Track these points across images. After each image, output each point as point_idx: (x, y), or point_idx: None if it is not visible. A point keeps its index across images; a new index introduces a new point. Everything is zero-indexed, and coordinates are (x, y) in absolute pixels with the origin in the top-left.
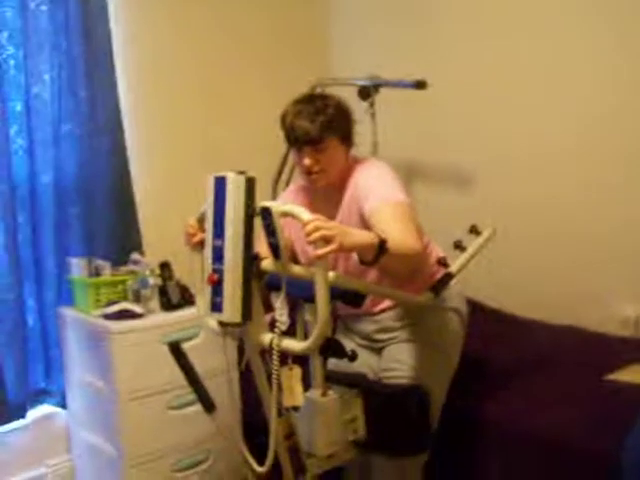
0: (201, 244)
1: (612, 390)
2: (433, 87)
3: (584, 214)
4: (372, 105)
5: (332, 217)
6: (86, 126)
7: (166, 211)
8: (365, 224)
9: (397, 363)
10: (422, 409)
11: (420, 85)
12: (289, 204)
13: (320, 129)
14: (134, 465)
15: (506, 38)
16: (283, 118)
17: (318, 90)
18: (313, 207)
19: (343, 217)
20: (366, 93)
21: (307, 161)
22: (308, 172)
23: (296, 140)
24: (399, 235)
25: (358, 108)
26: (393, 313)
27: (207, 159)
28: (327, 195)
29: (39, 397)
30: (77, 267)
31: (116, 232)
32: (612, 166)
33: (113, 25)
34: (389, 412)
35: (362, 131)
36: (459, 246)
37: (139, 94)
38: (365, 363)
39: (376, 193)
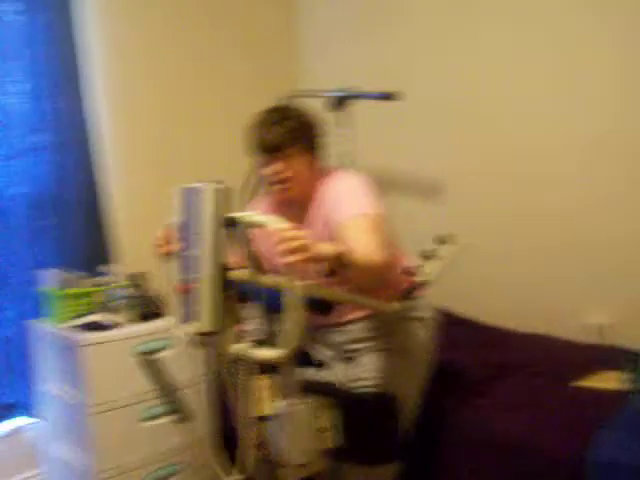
0: (169, 255)
1: (578, 396)
2: (406, 98)
3: (552, 226)
4: (344, 117)
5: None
6: (54, 138)
7: (138, 222)
8: (330, 235)
9: (366, 372)
10: (392, 417)
11: (390, 97)
12: (259, 214)
13: (279, 137)
14: (105, 478)
15: (478, 51)
16: (249, 129)
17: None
18: (285, 217)
19: (312, 230)
20: (337, 104)
21: (268, 170)
22: (272, 182)
23: (258, 149)
24: (363, 248)
25: (329, 120)
26: (362, 324)
27: (178, 169)
28: (295, 207)
29: (8, 411)
30: (48, 279)
31: (87, 243)
32: (582, 180)
33: (84, 37)
34: (359, 421)
35: (333, 142)
36: (427, 256)
37: (111, 106)
38: (334, 374)
39: (343, 206)
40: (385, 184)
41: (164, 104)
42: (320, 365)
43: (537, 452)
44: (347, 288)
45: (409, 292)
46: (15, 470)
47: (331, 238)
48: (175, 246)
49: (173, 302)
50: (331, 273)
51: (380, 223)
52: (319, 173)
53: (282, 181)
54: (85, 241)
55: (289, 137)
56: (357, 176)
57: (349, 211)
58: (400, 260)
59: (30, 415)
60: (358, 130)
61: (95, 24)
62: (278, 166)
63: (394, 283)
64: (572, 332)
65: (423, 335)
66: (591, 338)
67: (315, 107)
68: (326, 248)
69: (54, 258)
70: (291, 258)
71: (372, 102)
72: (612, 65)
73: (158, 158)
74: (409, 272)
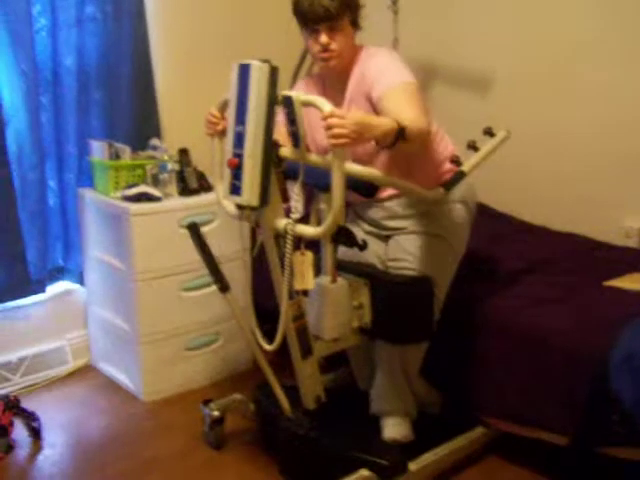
0: (223, 132)
1: (610, 295)
2: None
3: (597, 125)
4: (395, 2)
5: (339, 104)
6: (109, 9)
7: (185, 99)
8: (373, 108)
9: (404, 254)
10: (427, 299)
11: None
12: (309, 94)
13: (339, 6)
14: (147, 342)
15: None
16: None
17: None
18: (324, 96)
19: (350, 103)
20: None
21: (324, 38)
22: (324, 50)
23: (314, 18)
24: (411, 117)
25: (382, 4)
26: (401, 200)
27: (228, 48)
28: (335, 83)
29: (58, 274)
30: (98, 149)
31: (136, 117)
32: (631, 77)
33: None
34: (395, 301)
35: (384, 27)
36: (473, 146)
37: None
38: (374, 253)
39: (384, 78)
40: (430, 74)
41: None
42: (364, 246)
43: (561, 346)
44: (389, 163)
45: (455, 179)
46: (63, 330)
47: (369, 110)
48: (226, 123)
49: (221, 177)
50: (383, 146)
51: (418, 92)
52: (356, 49)
53: (334, 51)
54: (135, 115)
55: (347, 6)
56: (390, 51)
57: (389, 83)
58: (445, 141)
59: (78, 280)
60: (409, 17)
61: None
62: (333, 37)
63: (436, 162)
64: (611, 236)
65: (462, 217)
66: (629, 242)
67: None
68: (379, 127)
69: (105, 130)
70: (341, 140)
71: None
72: None
73: (210, 36)
74: (455, 160)
